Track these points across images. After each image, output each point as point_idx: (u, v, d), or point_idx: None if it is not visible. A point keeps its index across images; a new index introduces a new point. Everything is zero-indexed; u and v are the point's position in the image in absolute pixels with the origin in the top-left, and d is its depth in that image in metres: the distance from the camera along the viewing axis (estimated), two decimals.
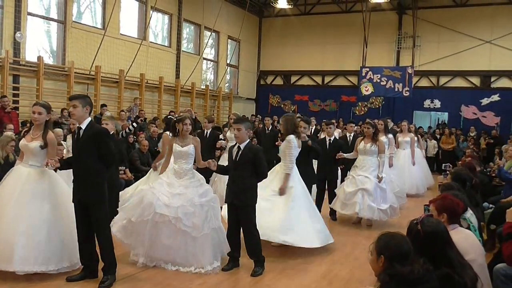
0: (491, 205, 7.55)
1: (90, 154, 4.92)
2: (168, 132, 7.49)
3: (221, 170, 6.01)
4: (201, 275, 5.43)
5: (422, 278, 2.70)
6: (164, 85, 17.38)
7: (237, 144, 5.68)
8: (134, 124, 9.79)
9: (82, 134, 4.96)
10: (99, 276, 5.09)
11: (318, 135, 11.04)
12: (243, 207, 5.57)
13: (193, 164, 5.99)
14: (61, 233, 5.14)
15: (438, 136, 18.08)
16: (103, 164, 5.01)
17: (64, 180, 5.58)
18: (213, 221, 5.68)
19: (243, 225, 5.64)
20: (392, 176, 10.00)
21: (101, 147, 4.94)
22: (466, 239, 3.40)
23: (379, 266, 2.90)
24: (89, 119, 5.03)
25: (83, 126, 4.97)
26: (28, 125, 9.38)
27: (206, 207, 5.64)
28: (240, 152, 5.60)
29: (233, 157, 5.66)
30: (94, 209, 4.94)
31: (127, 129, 9.62)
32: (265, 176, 5.76)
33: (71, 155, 6.73)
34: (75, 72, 13.68)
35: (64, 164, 5.19)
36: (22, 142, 5.26)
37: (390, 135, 10.26)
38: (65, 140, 8.12)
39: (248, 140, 5.73)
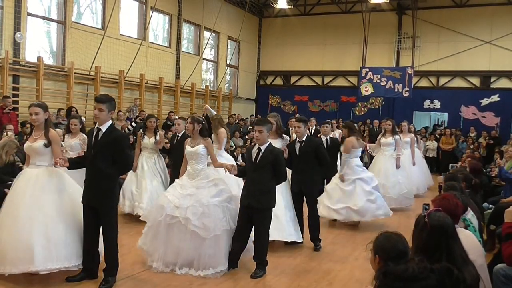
0: (491, 206, 7.54)
1: (106, 157, 4.89)
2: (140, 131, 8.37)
3: (241, 173, 5.88)
4: (201, 276, 5.39)
5: (418, 275, 2.71)
6: (164, 86, 17.39)
7: (257, 146, 5.65)
8: (133, 123, 9.79)
9: (101, 137, 4.92)
10: (99, 277, 5.08)
11: (318, 135, 11.03)
12: (261, 210, 5.51)
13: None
14: (79, 227, 5.10)
15: (438, 137, 18.06)
16: (116, 169, 4.98)
17: (77, 181, 5.53)
18: (228, 222, 5.59)
19: (257, 227, 5.57)
20: (400, 178, 10.00)
21: (118, 153, 4.91)
22: (465, 240, 3.39)
23: (376, 265, 2.95)
24: (110, 122, 4.99)
25: (104, 128, 4.93)
26: (28, 125, 9.40)
27: (218, 208, 5.56)
28: (260, 154, 5.57)
29: (253, 159, 5.62)
30: (104, 212, 4.93)
31: (126, 129, 9.62)
32: (285, 179, 5.75)
33: (70, 156, 6.81)
34: (75, 73, 13.68)
35: (73, 163, 5.15)
36: (26, 144, 5.22)
37: (397, 136, 10.20)
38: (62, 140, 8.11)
39: (269, 142, 5.70)
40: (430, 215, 3.09)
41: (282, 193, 6.61)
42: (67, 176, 5.32)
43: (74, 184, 5.32)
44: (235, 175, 5.89)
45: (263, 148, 5.59)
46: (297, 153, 6.84)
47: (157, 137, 8.17)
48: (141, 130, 8.43)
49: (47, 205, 4.94)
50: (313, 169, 6.84)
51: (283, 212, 6.57)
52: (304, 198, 7.02)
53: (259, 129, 5.61)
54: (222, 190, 5.73)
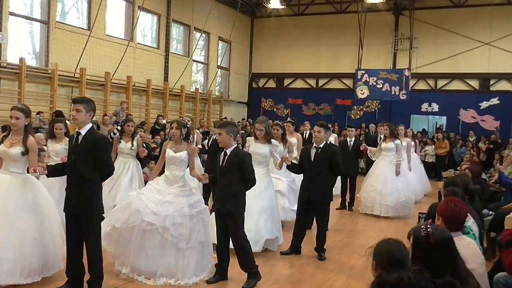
0: (491, 212, 7.57)
1: (87, 162, 4.84)
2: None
3: (212, 180, 5.82)
4: (189, 287, 5.38)
5: (415, 284, 2.68)
6: (152, 88, 17.35)
7: (224, 149, 5.64)
8: (119, 127, 9.73)
9: (81, 140, 4.87)
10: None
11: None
12: (229, 215, 5.50)
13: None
14: (45, 243, 5.12)
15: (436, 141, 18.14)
16: (98, 174, 4.95)
17: (46, 187, 5.54)
18: (201, 234, 5.58)
19: (231, 235, 5.56)
20: (399, 185, 9.95)
21: (98, 156, 4.87)
22: (466, 247, 3.39)
23: (374, 272, 2.95)
24: (90, 125, 4.95)
25: (83, 132, 4.88)
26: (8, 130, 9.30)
27: (195, 219, 5.56)
28: (226, 158, 5.55)
29: (220, 163, 5.62)
30: (87, 220, 4.88)
31: (112, 133, 9.57)
32: (254, 183, 5.64)
33: (55, 161, 6.76)
34: (58, 75, 13.63)
35: (52, 171, 5.10)
36: (1, 148, 5.17)
37: (398, 141, 10.17)
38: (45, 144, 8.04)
39: (235, 145, 5.67)
40: (433, 233, 3.02)
41: (260, 196, 6.68)
42: (40, 186, 5.33)
43: (47, 194, 5.34)
44: (206, 184, 5.88)
45: (228, 151, 5.56)
46: (312, 159, 6.80)
47: (134, 142, 8.14)
48: (117, 134, 8.41)
49: (19, 218, 4.93)
50: (325, 178, 6.80)
51: (257, 217, 6.61)
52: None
53: (218, 132, 5.61)
54: (198, 200, 5.74)
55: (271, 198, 6.98)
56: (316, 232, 6.92)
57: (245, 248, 5.56)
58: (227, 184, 5.51)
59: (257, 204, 6.66)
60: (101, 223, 5.58)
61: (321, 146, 6.80)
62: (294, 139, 9.32)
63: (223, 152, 5.62)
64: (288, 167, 7.20)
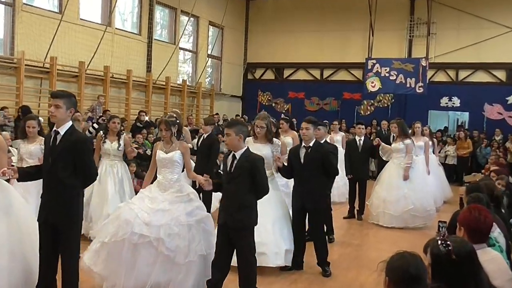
0: None
1: (66, 166, 4.82)
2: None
3: (218, 187, 5.75)
4: None
5: None
6: (133, 80, 17.32)
7: (232, 152, 5.55)
8: (95, 125, 9.71)
9: (60, 141, 4.85)
10: None
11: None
12: (238, 229, 5.40)
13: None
14: (25, 254, 5.03)
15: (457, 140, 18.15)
16: (79, 179, 4.92)
17: (21, 194, 5.49)
18: (202, 246, 5.53)
19: (238, 250, 5.47)
20: (406, 191, 9.82)
21: (79, 159, 4.85)
22: (492, 262, 3.38)
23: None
24: (69, 123, 4.93)
25: (62, 131, 4.86)
26: None
27: (194, 229, 5.51)
28: (235, 162, 5.45)
29: (228, 168, 5.54)
30: (65, 228, 4.85)
31: (87, 132, 9.54)
32: (266, 192, 5.57)
33: (29, 164, 6.73)
34: (25, 65, 13.58)
35: (24, 175, 5.06)
36: None
37: (408, 141, 9.99)
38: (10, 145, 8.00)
39: (246, 147, 5.58)
40: (453, 247, 3.02)
41: (271, 204, 6.64)
42: (13, 190, 5.25)
43: (22, 200, 5.27)
44: (209, 190, 5.86)
45: (238, 154, 5.46)
46: (302, 160, 6.83)
47: (121, 142, 8.10)
48: (101, 132, 8.35)
49: None
50: (317, 180, 6.83)
51: (271, 227, 6.59)
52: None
53: (227, 132, 5.53)
54: (198, 207, 5.71)
55: (282, 203, 6.99)
56: (314, 244, 6.92)
57: (251, 265, 5.51)
58: (235, 192, 5.42)
59: (268, 212, 6.59)
60: (93, 240, 5.58)
61: (311, 145, 6.84)
62: (289, 138, 9.18)
63: (231, 155, 5.52)
64: (279, 170, 7.10)
